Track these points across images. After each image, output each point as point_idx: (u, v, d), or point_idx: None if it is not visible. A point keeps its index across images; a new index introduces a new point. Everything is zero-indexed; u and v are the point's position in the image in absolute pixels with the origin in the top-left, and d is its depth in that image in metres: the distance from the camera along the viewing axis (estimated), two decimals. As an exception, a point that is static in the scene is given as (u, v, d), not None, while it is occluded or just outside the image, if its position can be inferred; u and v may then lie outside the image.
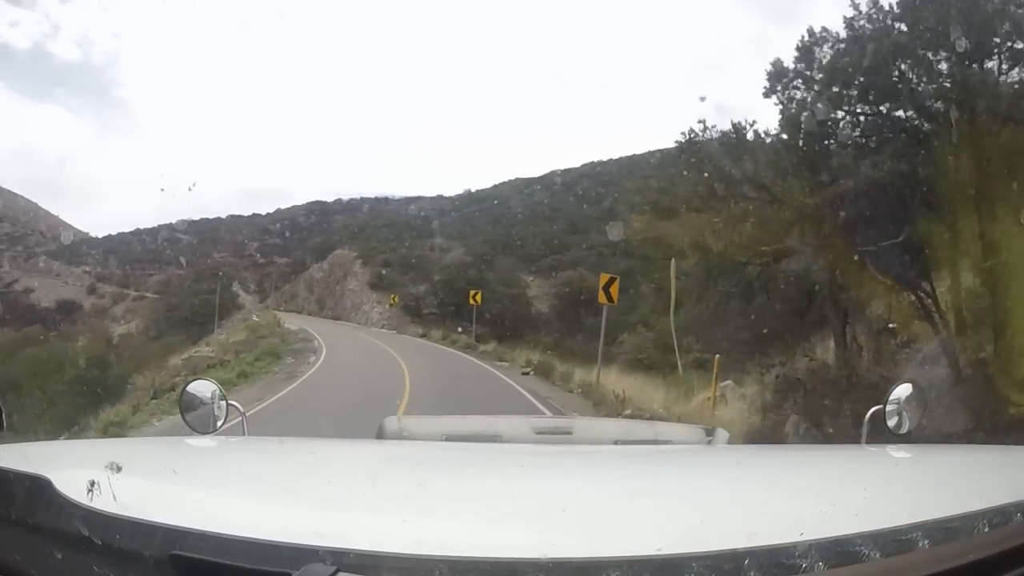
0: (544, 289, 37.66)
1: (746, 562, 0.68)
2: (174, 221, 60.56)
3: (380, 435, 1.74)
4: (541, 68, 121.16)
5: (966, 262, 6.87)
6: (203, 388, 1.66)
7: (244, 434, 1.75)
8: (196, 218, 61.76)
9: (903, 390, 1.63)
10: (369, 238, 49.66)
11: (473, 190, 57.39)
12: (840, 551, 0.72)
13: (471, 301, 26.17)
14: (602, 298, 13.03)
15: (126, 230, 57.77)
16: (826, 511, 0.90)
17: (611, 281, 13.18)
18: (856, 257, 7.23)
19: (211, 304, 33.77)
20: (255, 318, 34.19)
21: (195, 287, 39.72)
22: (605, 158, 52.77)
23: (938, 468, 1.34)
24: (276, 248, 60.71)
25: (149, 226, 56.93)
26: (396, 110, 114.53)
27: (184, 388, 1.67)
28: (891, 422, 1.59)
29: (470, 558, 0.69)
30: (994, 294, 6.58)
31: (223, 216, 65.84)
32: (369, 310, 40.83)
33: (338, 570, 0.67)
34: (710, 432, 1.84)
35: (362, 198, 62.37)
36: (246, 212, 68.29)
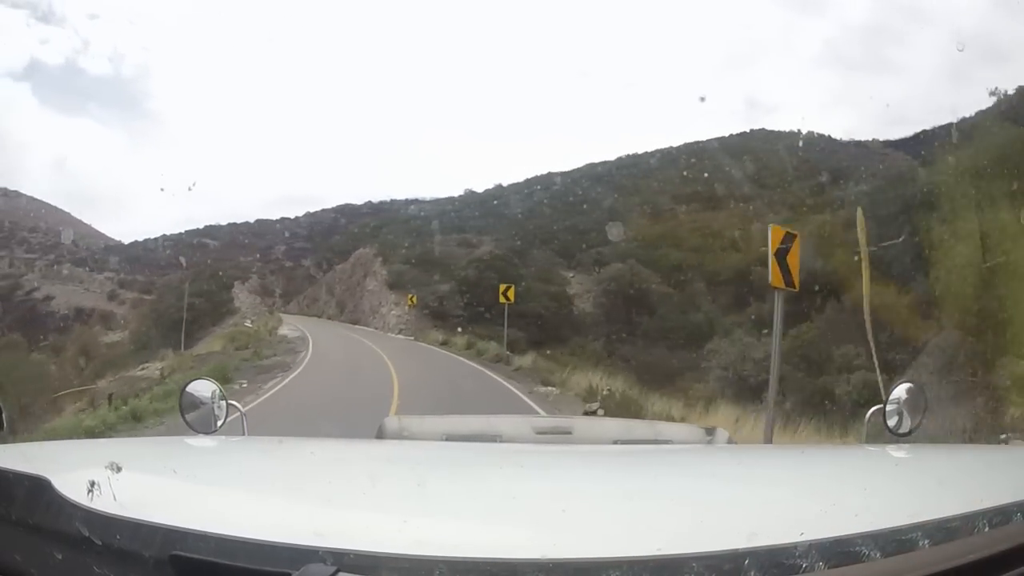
0: (586, 286, 33.11)
1: (746, 562, 0.68)
2: (201, 226, 60.78)
3: (380, 435, 1.74)
4: (568, 68, 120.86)
5: None
6: (203, 388, 1.66)
7: (244, 434, 1.75)
8: (224, 223, 62.00)
9: (903, 390, 1.63)
10: (390, 234, 45.97)
11: (505, 184, 54.18)
12: (840, 551, 0.72)
13: (501, 299, 20.93)
14: (776, 278, 6.17)
15: (152, 236, 57.99)
16: (826, 511, 0.89)
17: (786, 244, 6.13)
18: None
19: (198, 309, 31.91)
20: (248, 324, 31.82)
21: (193, 288, 37.59)
22: (640, 151, 49.90)
23: (938, 468, 1.34)
24: (303, 251, 59.78)
25: (175, 232, 57.58)
26: (426, 112, 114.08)
27: (184, 388, 1.67)
28: (891, 422, 1.59)
29: (470, 558, 0.69)
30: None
31: (251, 220, 65.18)
32: (387, 313, 36.53)
33: (338, 570, 0.66)
34: (710, 432, 1.84)
35: (392, 200, 60.37)
36: (275, 216, 67.88)
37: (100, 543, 0.75)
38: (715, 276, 28.52)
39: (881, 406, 1.62)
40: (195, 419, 1.62)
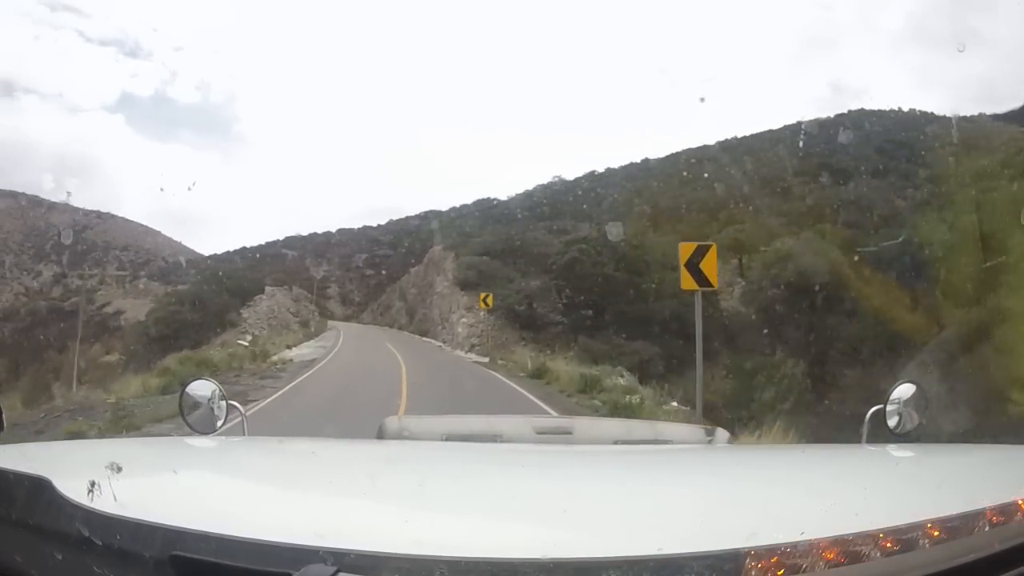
0: (725, 277, 22.47)
1: (746, 562, 0.68)
2: (281, 238, 61.67)
3: (380, 435, 1.74)
4: (647, 65, 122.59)
5: None
6: (203, 388, 1.65)
7: (244, 434, 1.75)
8: (305, 233, 62.65)
9: (904, 390, 1.63)
10: (467, 227, 39.42)
11: (598, 171, 49.46)
12: (841, 550, 0.71)
13: (688, 285, 7.36)
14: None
15: (232, 248, 58.79)
16: (826, 511, 0.89)
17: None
18: None
19: (191, 323, 27.43)
20: (243, 343, 23.87)
21: (207, 291, 34.40)
22: (740, 134, 45.94)
23: (938, 468, 1.34)
24: (384, 259, 58.26)
25: (254, 244, 58.86)
26: (512, 111, 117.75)
27: (184, 388, 1.67)
28: (891, 422, 1.59)
29: (470, 558, 0.69)
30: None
31: (332, 230, 65.15)
32: (457, 321, 27.39)
33: (338, 570, 0.66)
34: (710, 432, 1.84)
35: (476, 200, 56.97)
36: (356, 225, 67.24)
37: (100, 543, 0.75)
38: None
39: (881, 406, 1.62)
40: (195, 419, 1.62)
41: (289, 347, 24.35)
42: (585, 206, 37.68)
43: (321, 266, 59.87)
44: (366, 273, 60.24)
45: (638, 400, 11.65)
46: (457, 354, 23.73)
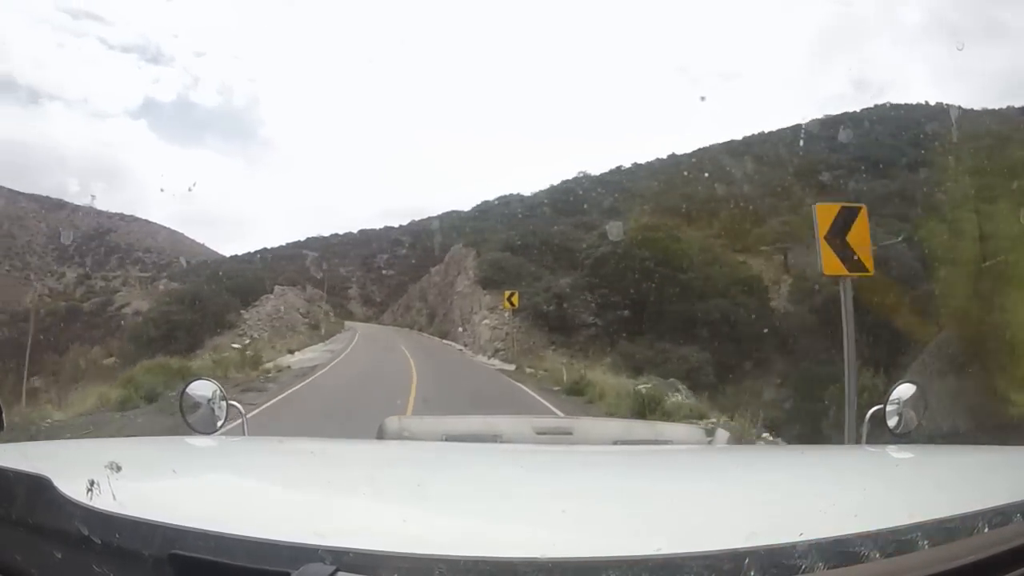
0: (771, 274, 21.74)
1: (746, 562, 0.68)
2: (302, 238, 61.56)
3: (380, 435, 1.74)
4: (667, 64, 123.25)
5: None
6: (203, 388, 1.66)
7: (244, 434, 1.76)
8: (327, 234, 62.30)
9: (903, 390, 1.63)
10: (490, 223, 37.23)
11: (624, 166, 46.51)
12: (840, 551, 0.72)
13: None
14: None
15: (252, 249, 58.86)
16: (826, 511, 0.90)
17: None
18: None
19: (185, 324, 25.09)
20: (236, 347, 21.92)
21: (207, 290, 32.05)
22: (767, 129, 43.19)
23: (938, 468, 1.34)
24: (405, 259, 57.21)
25: (275, 245, 58.80)
26: (534, 110, 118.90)
27: (184, 388, 1.67)
28: (891, 422, 1.59)
29: (470, 558, 0.69)
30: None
31: (354, 231, 64.72)
32: (478, 323, 25.52)
33: (338, 570, 0.66)
34: (710, 432, 1.85)
35: (498, 198, 54.26)
36: (378, 225, 66.49)
37: (100, 542, 0.75)
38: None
39: (881, 406, 1.62)
40: (195, 419, 1.62)
41: (291, 351, 22.27)
42: (613, 199, 35.25)
43: (342, 267, 59.31)
44: (387, 273, 59.40)
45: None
46: (479, 360, 21.22)
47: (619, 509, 0.95)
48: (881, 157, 31.37)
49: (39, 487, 0.82)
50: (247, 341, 25.19)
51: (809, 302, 16.96)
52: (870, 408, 1.64)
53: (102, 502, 0.79)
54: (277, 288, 36.97)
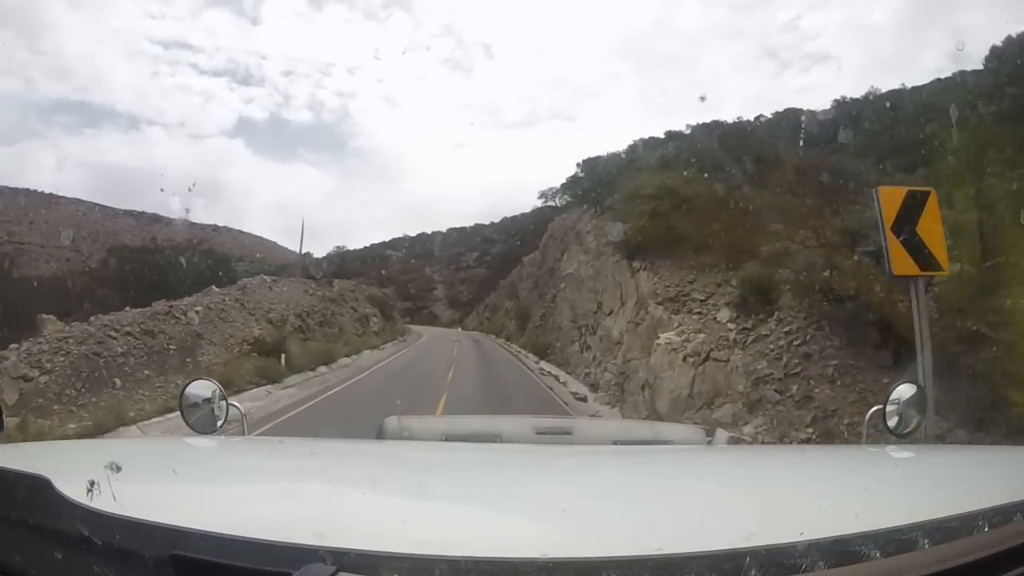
0: None
1: (746, 562, 0.68)
2: (387, 239, 61.94)
3: (380, 435, 1.74)
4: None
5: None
6: (203, 388, 1.66)
7: (244, 434, 1.76)
8: (413, 234, 61.97)
9: (904, 390, 1.63)
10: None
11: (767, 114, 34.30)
12: (840, 551, 0.72)
13: None
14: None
15: (331, 251, 58.16)
16: (826, 511, 0.90)
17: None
18: None
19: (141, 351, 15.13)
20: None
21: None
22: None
23: (938, 468, 1.34)
24: (497, 257, 53.23)
25: (357, 247, 59.17)
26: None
27: (184, 388, 1.67)
28: (891, 422, 1.59)
29: (470, 558, 0.69)
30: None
31: (442, 230, 63.56)
32: (632, 337, 13.02)
33: (338, 570, 0.66)
34: (710, 432, 1.84)
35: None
36: (468, 224, 65.07)
37: (100, 543, 0.75)
38: None
39: (881, 406, 1.62)
40: (195, 419, 1.62)
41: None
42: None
43: (426, 267, 58.15)
44: (475, 272, 56.99)
45: None
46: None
47: (619, 509, 0.95)
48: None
49: (39, 487, 0.82)
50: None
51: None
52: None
53: (102, 503, 0.79)
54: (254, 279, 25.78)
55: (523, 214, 52.60)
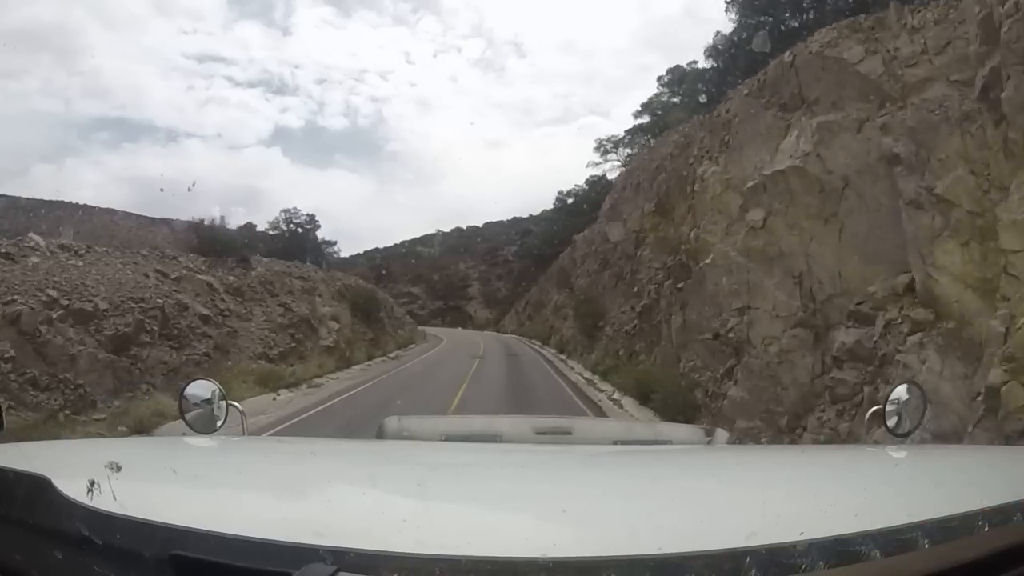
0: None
1: (746, 561, 0.68)
2: (419, 235, 61.00)
3: (380, 435, 1.74)
4: None
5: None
6: (203, 388, 1.66)
7: (244, 434, 1.75)
8: (447, 229, 60.54)
9: (903, 390, 1.63)
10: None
11: None
12: (840, 551, 0.72)
13: None
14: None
15: (360, 251, 58.07)
16: (826, 511, 0.90)
17: None
18: None
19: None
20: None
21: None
22: None
23: (938, 468, 1.34)
24: (536, 249, 45.95)
25: (385, 245, 59.37)
26: None
27: (184, 388, 1.67)
28: (891, 422, 1.59)
29: (470, 558, 0.69)
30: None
31: (479, 224, 61.68)
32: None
33: (338, 570, 0.66)
34: (710, 432, 1.85)
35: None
36: (506, 217, 62.42)
37: (100, 542, 0.75)
38: None
39: (881, 406, 1.62)
40: (195, 419, 1.62)
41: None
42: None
43: (461, 262, 55.92)
44: (514, 266, 51.45)
45: None
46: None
47: (619, 509, 0.95)
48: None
49: (39, 487, 0.82)
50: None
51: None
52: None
53: (102, 502, 0.79)
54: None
55: (575, 187, 44.06)
